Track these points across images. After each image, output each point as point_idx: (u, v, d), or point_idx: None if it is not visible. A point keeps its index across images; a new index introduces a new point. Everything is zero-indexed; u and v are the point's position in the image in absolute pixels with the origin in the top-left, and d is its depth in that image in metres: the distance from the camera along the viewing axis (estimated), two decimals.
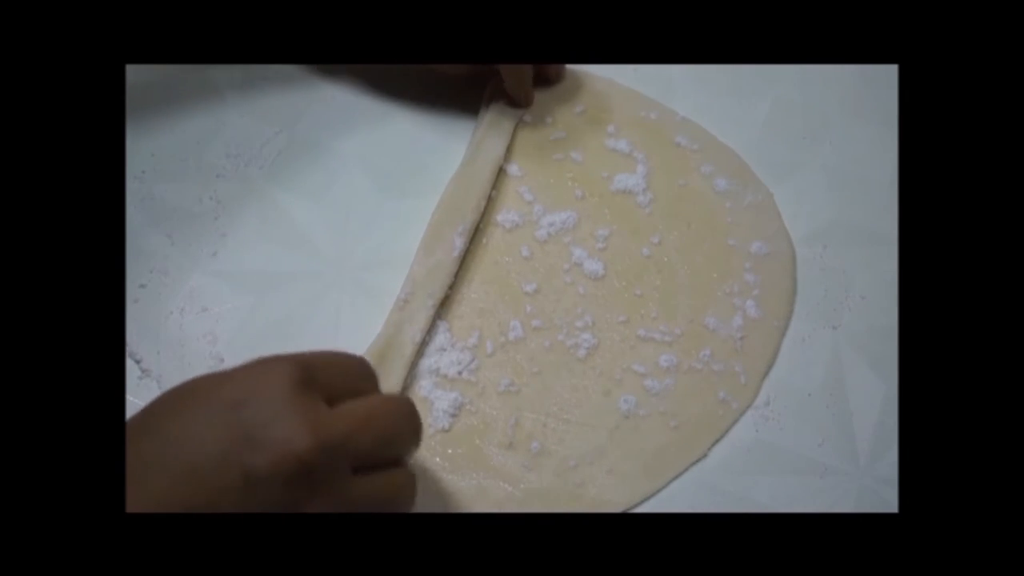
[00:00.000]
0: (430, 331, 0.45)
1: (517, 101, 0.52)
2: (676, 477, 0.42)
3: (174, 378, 0.43)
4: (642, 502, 0.41)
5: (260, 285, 0.46)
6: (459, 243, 0.46)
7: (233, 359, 0.44)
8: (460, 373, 0.44)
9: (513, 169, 0.51)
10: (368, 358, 0.39)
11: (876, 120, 0.53)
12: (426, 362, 0.44)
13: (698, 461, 0.42)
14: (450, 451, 0.42)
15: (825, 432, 0.43)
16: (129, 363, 0.44)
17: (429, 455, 0.42)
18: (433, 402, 0.43)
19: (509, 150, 0.51)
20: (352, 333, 0.45)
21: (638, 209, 0.49)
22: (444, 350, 0.45)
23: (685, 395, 0.44)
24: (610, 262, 0.48)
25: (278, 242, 0.48)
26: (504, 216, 0.49)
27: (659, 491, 0.42)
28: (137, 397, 0.43)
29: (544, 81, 0.53)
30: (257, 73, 0.53)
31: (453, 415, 0.43)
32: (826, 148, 0.52)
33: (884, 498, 0.42)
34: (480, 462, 0.42)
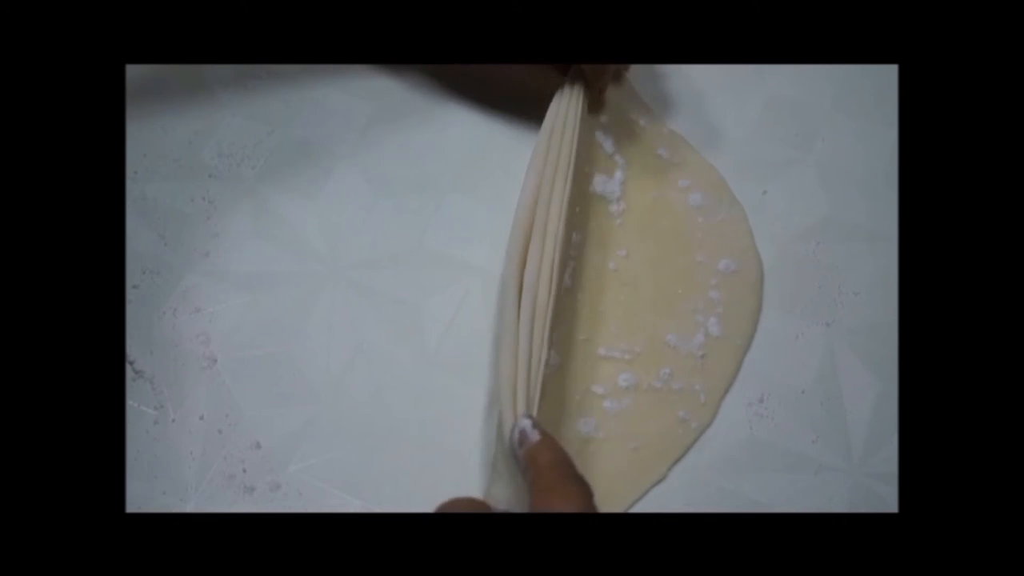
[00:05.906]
0: None
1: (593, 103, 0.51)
2: (637, 500, 0.41)
3: (167, 379, 0.43)
4: None
5: (253, 285, 0.46)
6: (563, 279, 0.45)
7: (226, 359, 0.44)
8: None
9: None
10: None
11: (869, 117, 0.53)
12: None
13: (658, 483, 0.42)
14: None
15: (819, 429, 0.44)
16: None
17: None
18: None
19: None
20: (347, 333, 0.45)
21: (609, 219, 0.49)
22: None
23: (644, 415, 0.43)
24: (576, 274, 0.47)
25: (271, 242, 0.48)
26: None
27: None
28: (131, 398, 0.43)
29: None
30: (249, 72, 0.53)
31: None
32: (819, 145, 0.52)
33: (878, 494, 0.42)
34: None
